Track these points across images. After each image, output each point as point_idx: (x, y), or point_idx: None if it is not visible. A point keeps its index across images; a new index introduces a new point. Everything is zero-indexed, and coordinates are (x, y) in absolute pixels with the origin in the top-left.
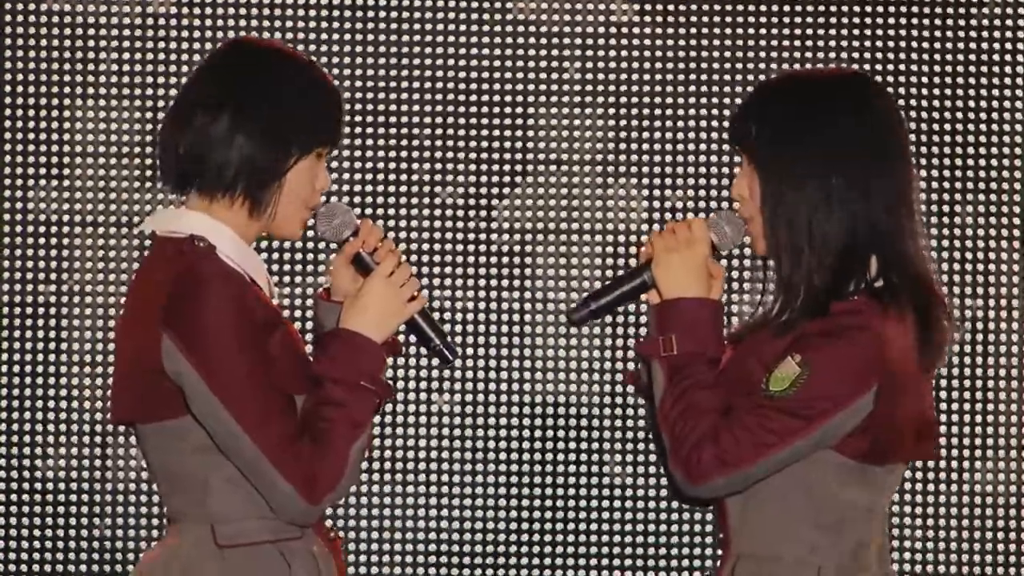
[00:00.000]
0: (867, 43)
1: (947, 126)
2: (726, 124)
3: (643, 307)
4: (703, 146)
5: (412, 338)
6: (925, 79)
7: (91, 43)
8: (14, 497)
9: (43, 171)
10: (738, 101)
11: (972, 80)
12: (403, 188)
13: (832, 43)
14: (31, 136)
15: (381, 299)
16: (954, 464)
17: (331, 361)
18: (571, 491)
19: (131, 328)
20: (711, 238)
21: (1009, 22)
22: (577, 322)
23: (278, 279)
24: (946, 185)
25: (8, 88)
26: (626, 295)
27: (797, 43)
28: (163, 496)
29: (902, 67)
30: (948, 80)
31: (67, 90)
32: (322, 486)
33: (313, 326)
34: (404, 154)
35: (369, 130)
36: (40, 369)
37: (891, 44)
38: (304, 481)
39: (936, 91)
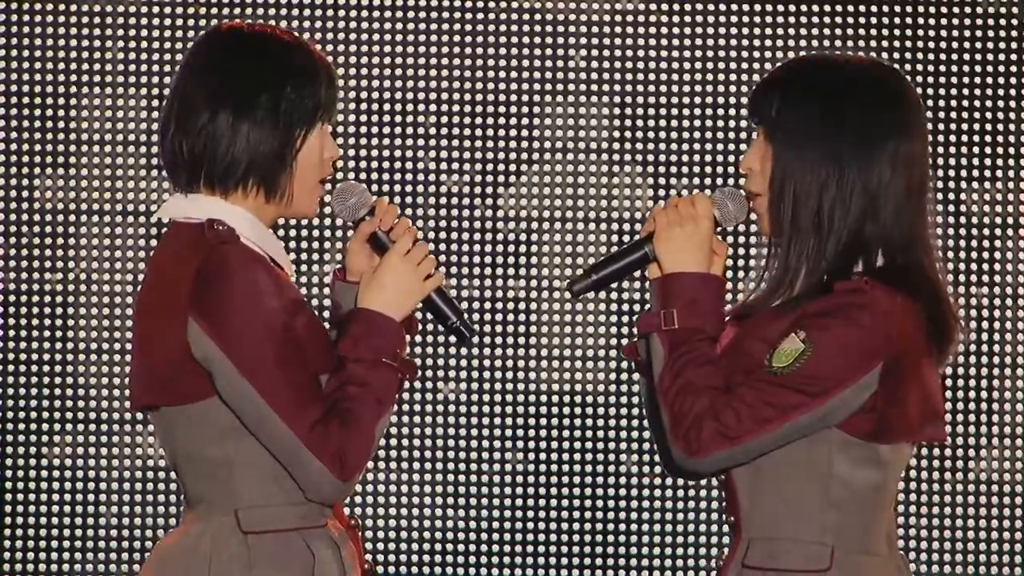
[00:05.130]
0: (873, 31)
1: (953, 114)
2: (731, 113)
3: (649, 294)
4: (708, 135)
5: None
6: (932, 68)
7: (96, 32)
8: (21, 485)
9: (48, 160)
10: (744, 90)
11: (979, 69)
12: (409, 176)
13: (839, 31)
14: (36, 125)
15: (399, 277)
16: (960, 453)
17: (352, 341)
18: (576, 478)
19: (154, 313)
20: (714, 214)
21: (1015, 9)
22: (577, 293)
23: (295, 263)
24: (952, 174)
25: (14, 76)
26: (627, 267)
27: (803, 32)
28: (183, 481)
29: (909, 55)
30: (955, 69)
31: (72, 79)
32: (351, 463)
33: (329, 306)
34: (410, 142)
35: (375, 118)
36: (46, 357)
37: (898, 32)
38: (334, 459)
39: (943, 80)
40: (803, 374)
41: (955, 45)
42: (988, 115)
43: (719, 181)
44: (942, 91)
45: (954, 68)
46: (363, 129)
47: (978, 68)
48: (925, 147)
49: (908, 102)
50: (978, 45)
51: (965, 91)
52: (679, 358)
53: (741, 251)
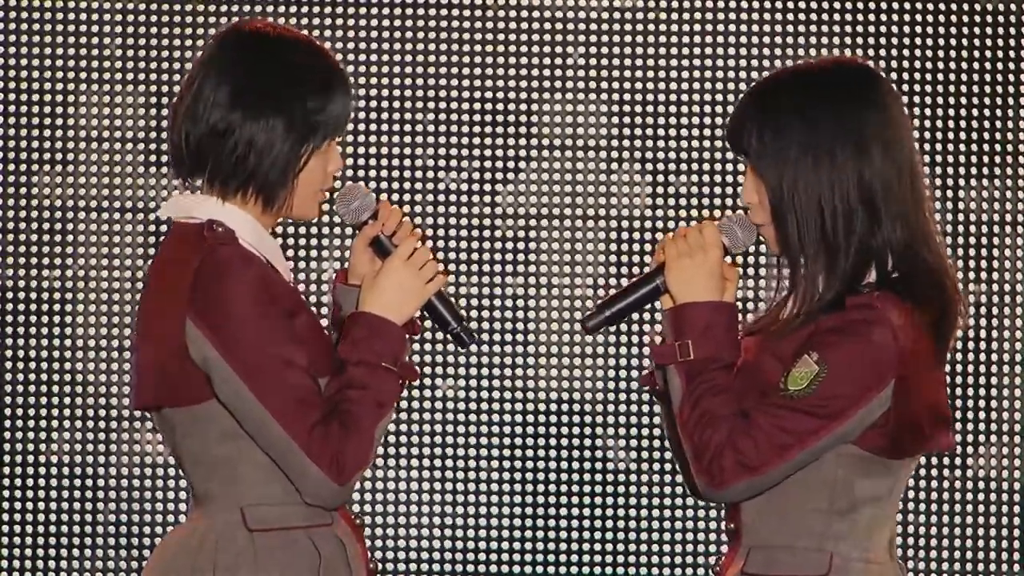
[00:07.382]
0: (870, 27)
1: (951, 111)
2: (730, 111)
3: (661, 325)
4: (707, 131)
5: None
6: (929, 64)
7: (95, 28)
8: (19, 482)
9: (47, 156)
10: (742, 87)
11: (975, 65)
12: (407, 174)
13: (836, 28)
14: (35, 121)
15: (400, 281)
16: (958, 450)
17: (353, 344)
18: (575, 477)
19: (154, 315)
20: (722, 241)
21: (1013, 6)
22: (592, 329)
23: (293, 263)
24: (949, 171)
25: (12, 73)
26: (640, 301)
27: (801, 28)
28: (189, 479)
29: (905, 52)
30: (951, 65)
31: (71, 75)
32: (350, 467)
33: (331, 309)
34: (408, 140)
35: (373, 116)
36: (44, 355)
37: (894, 29)
38: (331, 463)
39: (940, 76)
40: (819, 396)
41: (952, 42)
42: (985, 112)
43: (717, 178)
44: (939, 88)
45: (951, 65)
46: (361, 126)
47: (975, 64)
48: (910, 131)
49: (882, 91)
50: (976, 42)
51: (963, 88)
52: (696, 388)
53: (751, 271)
